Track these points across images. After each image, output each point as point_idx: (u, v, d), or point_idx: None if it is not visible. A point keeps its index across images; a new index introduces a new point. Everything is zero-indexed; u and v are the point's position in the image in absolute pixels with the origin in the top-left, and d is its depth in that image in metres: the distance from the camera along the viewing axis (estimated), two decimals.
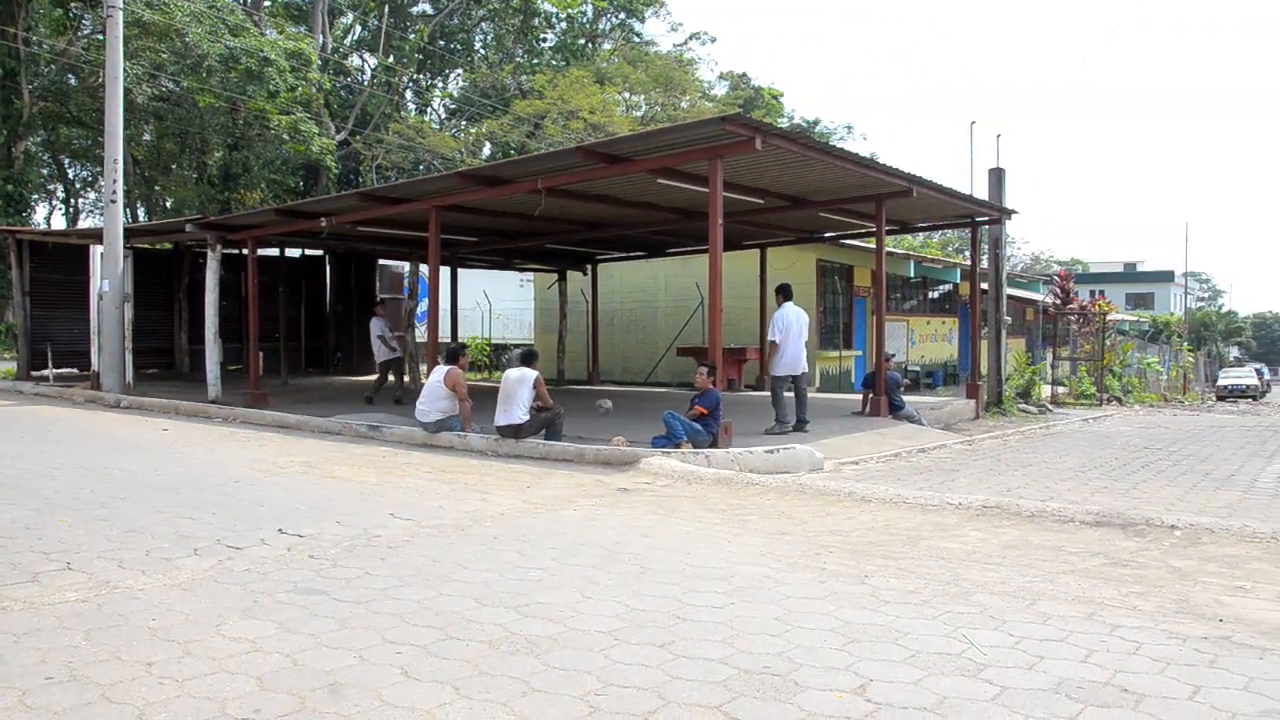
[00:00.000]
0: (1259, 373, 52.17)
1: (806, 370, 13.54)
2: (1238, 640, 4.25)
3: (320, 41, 32.17)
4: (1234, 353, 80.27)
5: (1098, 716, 3.40)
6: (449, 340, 20.79)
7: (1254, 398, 43.21)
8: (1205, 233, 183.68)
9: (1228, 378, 48.57)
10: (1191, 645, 4.18)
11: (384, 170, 33.56)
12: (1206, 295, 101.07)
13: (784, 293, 13.75)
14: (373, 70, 37.07)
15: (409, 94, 39.74)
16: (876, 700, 3.55)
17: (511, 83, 37.19)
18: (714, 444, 10.83)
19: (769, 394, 13.74)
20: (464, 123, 38.50)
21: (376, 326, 18.49)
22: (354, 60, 39.16)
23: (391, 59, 34.60)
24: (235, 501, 7.73)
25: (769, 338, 13.30)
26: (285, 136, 27.58)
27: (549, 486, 8.73)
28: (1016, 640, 4.23)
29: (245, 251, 19.11)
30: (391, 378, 18.60)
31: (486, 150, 36.98)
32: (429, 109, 41.11)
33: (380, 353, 18.45)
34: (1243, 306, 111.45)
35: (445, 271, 23.09)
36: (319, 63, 29.57)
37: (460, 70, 40.48)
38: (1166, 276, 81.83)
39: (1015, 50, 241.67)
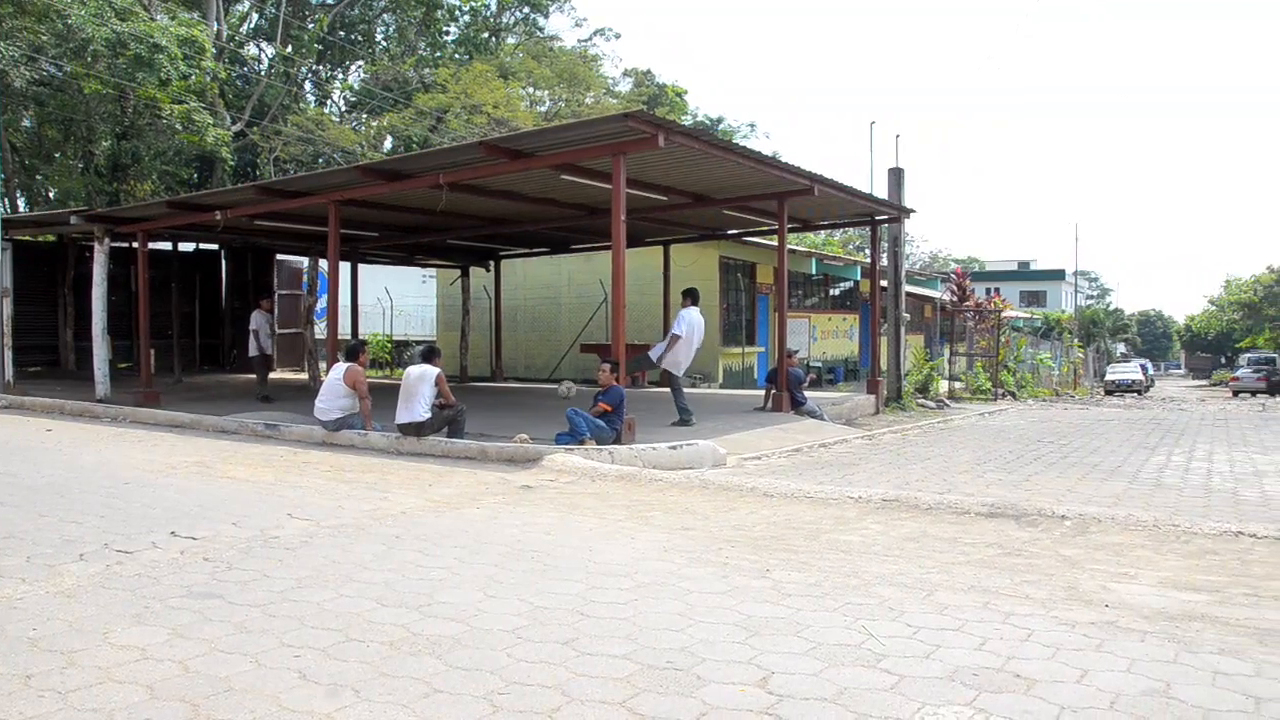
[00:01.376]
0: (1144, 368, 54.16)
1: (679, 374, 13.67)
2: (1122, 625, 4.40)
3: (215, 29, 31.29)
4: (1120, 349, 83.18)
5: (991, 702, 3.48)
6: (349, 337, 20.44)
7: (1139, 392, 44.86)
8: (1094, 233, 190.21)
9: (1115, 373, 50.28)
10: (1080, 631, 4.32)
11: (282, 163, 32.80)
12: (1095, 293, 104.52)
13: (691, 296, 13.82)
14: (270, 60, 36.17)
15: (308, 85, 38.96)
16: (778, 692, 3.58)
17: (414, 76, 36.68)
18: (618, 440, 10.85)
19: (688, 389, 13.83)
20: (365, 116, 37.85)
21: (254, 321, 17.97)
22: (251, 49, 38.18)
23: (290, 49, 33.82)
24: (125, 504, 7.47)
25: (673, 330, 13.33)
26: (178, 126, 26.73)
27: (451, 484, 8.64)
28: (914, 630, 4.32)
29: (135, 245, 18.51)
30: (258, 375, 18.04)
31: (388, 144, 36.40)
32: (329, 101, 40.32)
33: (252, 348, 17.94)
34: (1128, 304, 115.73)
35: (345, 267, 22.71)
36: (213, 51, 28.74)
37: (361, 62, 39.81)
38: (1058, 275, 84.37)
39: (914, 52, 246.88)
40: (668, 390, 13.41)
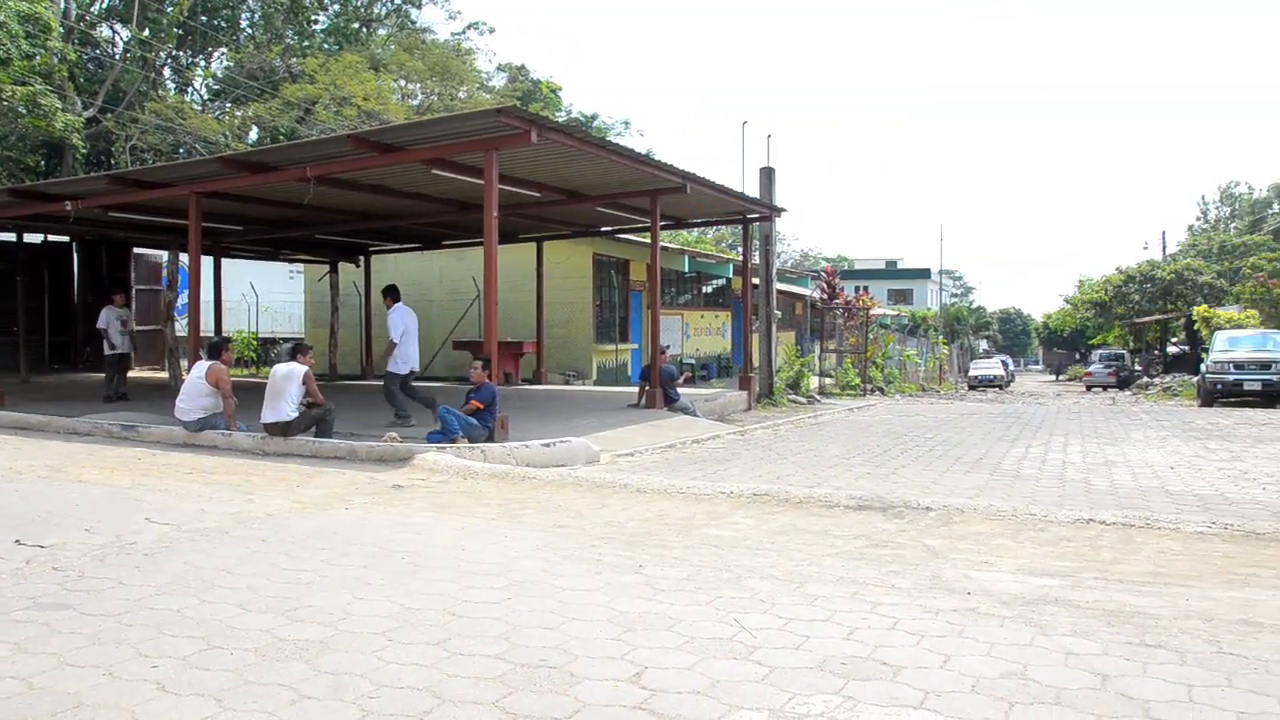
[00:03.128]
0: (1004, 364, 56.20)
1: (416, 369, 13.48)
2: (982, 611, 4.56)
3: (62, 6, 29.83)
4: (983, 345, 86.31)
5: (859, 690, 3.56)
6: (212, 334, 19.77)
7: (1000, 387, 46.61)
8: (957, 233, 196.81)
9: (978, 369, 52.08)
10: (943, 618, 4.45)
11: (140, 152, 31.49)
12: (959, 292, 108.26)
13: (392, 294, 13.58)
14: (126, 43, 34.68)
15: (168, 71, 37.49)
16: (651, 687, 3.59)
17: (280, 65, 35.66)
18: (490, 438, 10.77)
19: (562, 386, 13.70)
20: (229, 105, 36.61)
21: (102, 318, 17.07)
22: (104, 31, 36.49)
23: (147, 32, 32.46)
24: None
25: (390, 338, 13.09)
26: (22, 110, 25.33)
27: (320, 485, 8.44)
28: (785, 622, 4.38)
29: None
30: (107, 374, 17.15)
31: (254, 135, 35.28)
32: (190, 89, 38.87)
33: (107, 346, 17.06)
34: (990, 303, 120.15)
35: (208, 261, 21.92)
36: (60, 30, 27.37)
37: (225, 49, 38.48)
38: (924, 274, 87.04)
39: (785, 53, 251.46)
40: (543, 388, 13.42)
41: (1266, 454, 11.73)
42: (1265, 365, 21.78)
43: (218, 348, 11.89)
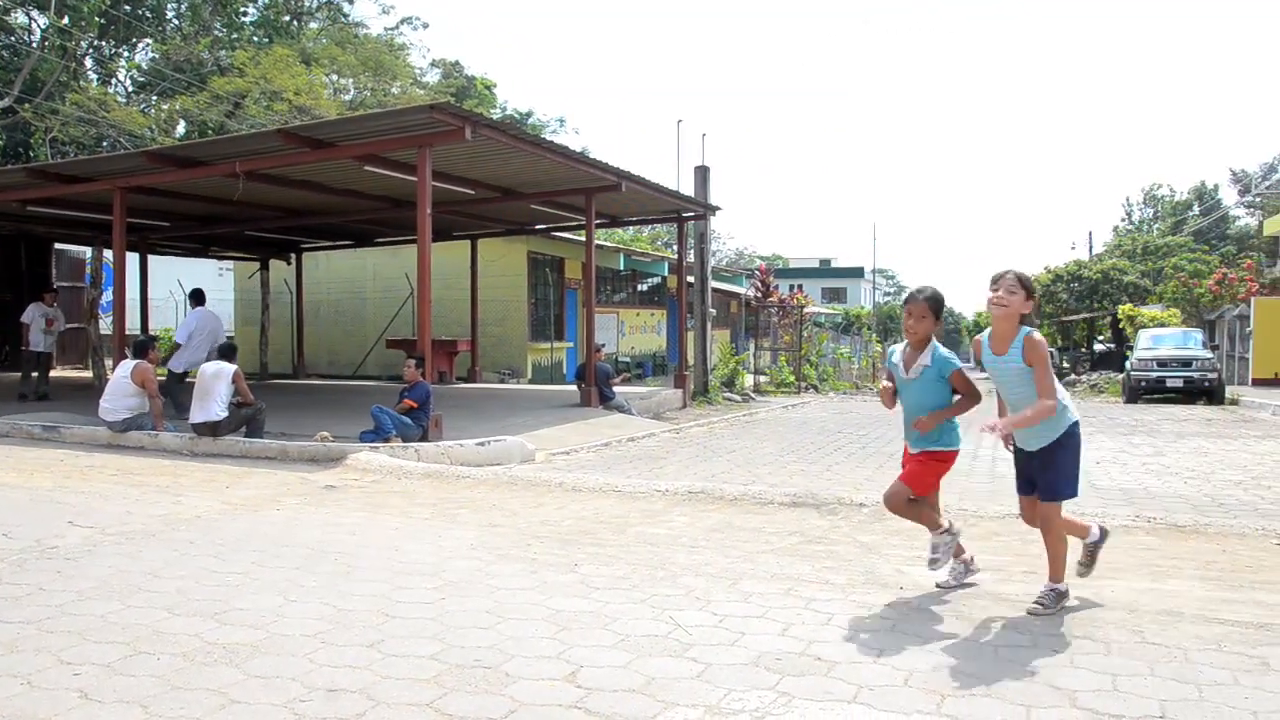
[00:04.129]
0: None
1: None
2: (915, 606, 4.61)
3: None
4: None
5: (794, 685, 3.58)
6: (138, 333, 19.36)
7: None
8: (890, 232, 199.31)
9: None
10: (877, 613, 4.50)
11: (61, 144, 30.61)
12: (892, 290, 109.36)
13: (197, 298, 14.30)
14: (44, 31, 33.69)
15: (89, 62, 36.52)
16: (587, 685, 3.58)
17: (209, 58, 34.91)
18: (424, 437, 10.68)
19: (497, 385, 13.62)
20: (155, 98, 35.79)
21: (29, 313, 16.59)
22: (19, 17, 35.39)
23: (66, 20, 31.56)
24: None
25: (176, 339, 13.88)
26: None
27: (250, 486, 8.30)
28: (720, 619, 4.40)
29: None
30: (24, 372, 16.69)
31: (181, 129, 34.49)
32: (114, 80, 37.91)
33: (34, 343, 16.57)
34: None
35: (134, 258, 21.47)
36: None
37: (150, 40, 37.59)
38: (857, 273, 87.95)
39: (720, 52, 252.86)
40: (478, 386, 13.35)
41: (1188, 449, 12.04)
42: (1186, 363, 22.34)
43: (144, 346, 11.65)
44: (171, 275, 29.16)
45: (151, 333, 22.17)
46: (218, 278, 32.63)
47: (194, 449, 10.52)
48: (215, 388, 10.66)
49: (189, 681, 3.62)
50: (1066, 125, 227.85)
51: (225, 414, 10.67)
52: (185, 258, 26.86)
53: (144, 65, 37.44)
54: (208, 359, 12.43)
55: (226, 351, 11.29)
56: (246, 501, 7.53)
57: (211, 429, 10.56)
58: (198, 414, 10.63)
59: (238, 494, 7.89)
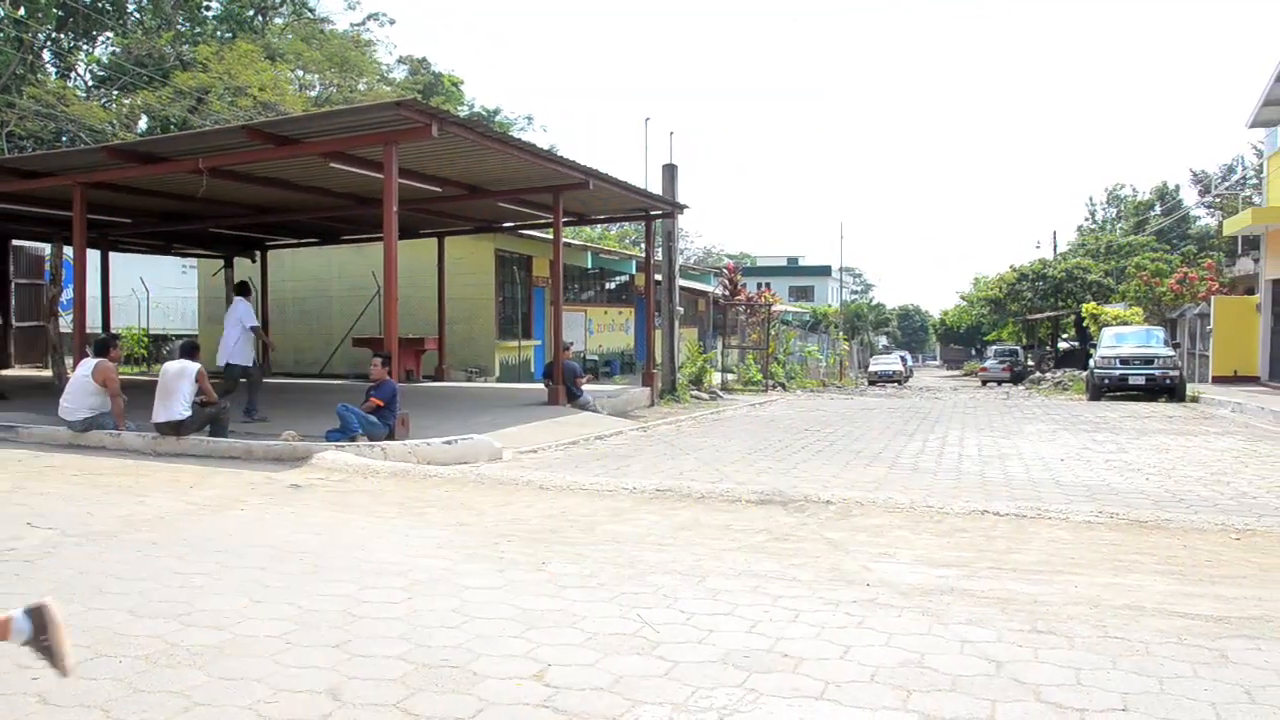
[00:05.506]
0: (903, 360, 57.37)
1: (231, 363, 13.41)
2: (881, 602, 4.64)
3: None
4: (883, 341, 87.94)
5: (761, 682, 3.59)
6: (99, 331, 19.12)
7: (899, 382, 47.57)
8: (857, 231, 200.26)
9: (877, 364, 53.02)
10: (843, 609, 4.52)
11: (18, 139, 30.17)
12: (859, 289, 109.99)
13: (242, 290, 14.17)
14: None
15: (47, 55, 35.99)
16: (555, 684, 3.57)
17: (171, 52, 34.48)
18: (391, 436, 10.61)
19: (464, 383, 13.55)
20: (116, 93, 35.32)
21: None
22: None
23: (23, 11, 31.08)
24: None
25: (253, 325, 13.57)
26: None
27: (214, 486, 8.22)
28: (688, 616, 4.40)
29: None
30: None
31: (143, 124, 34.05)
32: (73, 74, 37.39)
33: None
34: (890, 299, 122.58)
35: (95, 255, 21.19)
36: None
37: (110, 34, 37.09)
38: (825, 271, 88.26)
39: (688, 50, 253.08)
40: (445, 384, 13.27)
41: (1150, 445, 12.18)
42: (1148, 361, 22.60)
43: (105, 345, 11.50)
44: (134, 273, 28.80)
45: (113, 331, 21.92)
46: (181, 275, 32.28)
47: (157, 449, 10.40)
48: (179, 387, 10.53)
49: (151, 684, 3.58)
50: (1032, 125, 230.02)
51: (189, 413, 10.55)
52: (148, 255, 26.55)
53: (104, 59, 36.91)
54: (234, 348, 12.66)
55: (189, 350, 11.16)
56: (211, 501, 7.46)
57: (175, 428, 10.44)
58: (161, 413, 10.50)
59: (202, 494, 7.81)
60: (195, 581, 5.02)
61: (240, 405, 12.64)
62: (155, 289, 30.19)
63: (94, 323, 20.40)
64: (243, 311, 13.39)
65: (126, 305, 29.28)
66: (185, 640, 4.08)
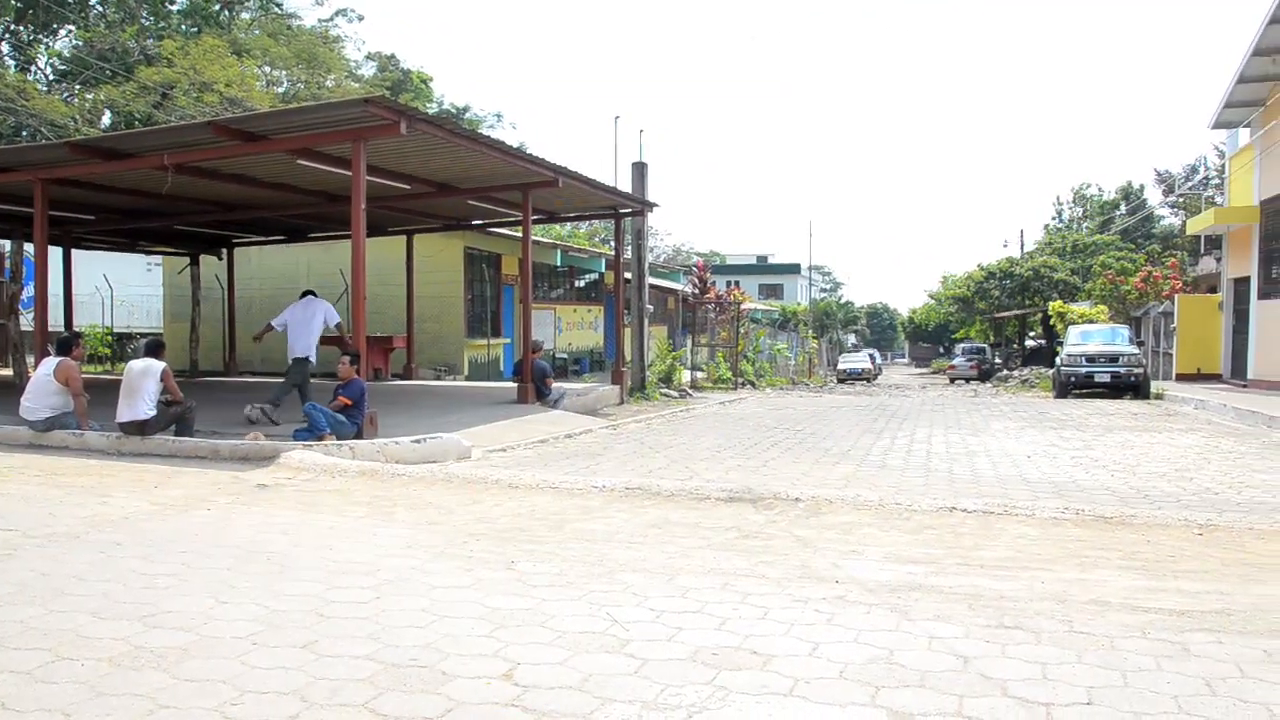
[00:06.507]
0: (872, 357, 57.71)
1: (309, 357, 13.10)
2: (850, 599, 4.66)
3: None
4: (851, 339, 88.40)
5: (730, 679, 3.59)
6: (62, 329, 18.87)
7: (868, 380, 47.82)
8: (826, 229, 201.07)
9: (846, 362, 53.27)
10: (812, 606, 4.53)
11: None
12: (828, 287, 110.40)
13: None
14: None
15: (5, 46, 35.48)
16: (524, 683, 3.56)
17: (135, 46, 34.08)
18: (359, 435, 10.55)
19: (433, 382, 13.40)
20: (78, 87, 34.86)
21: None
22: None
23: None
24: None
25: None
26: None
27: (180, 485, 8.13)
28: (657, 614, 4.40)
29: None
30: None
31: (107, 120, 33.65)
32: (33, 67, 36.87)
33: None
34: (859, 298, 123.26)
35: (57, 252, 20.91)
36: None
37: (72, 27, 36.57)
38: (794, 269, 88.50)
39: (657, 49, 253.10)
40: (414, 383, 13.16)
41: (1115, 442, 12.31)
42: (1113, 358, 22.83)
43: (68, 343, 11.37)
44: (97, 270, 28.49)
45: (75, 329, 21.63)
46: (146, 273, 31.97)
47: (121, 448, 10.29)
48: (143, 385, 10.42)
49: (115, 687, 3.53)
50: (1000, 125, 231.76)
51: (153, 412, 10.44)
52: (112, 252, 26.26)
53: (65, 53, 36.41)
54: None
55: (154, 348, 11.04)
56: (176, 501, 7.38)
57: (139, 428, 10.32)
58: (125, 412, 10.38)
59: (167, 494, 7.73)
60: (160, 582, 4.96)
61: (286, 396, 12.58)
62: (119, 287, 29.90)
63: (56, 321, 20.16)
64: (328, 309, 13.00)
65: (90, 303, 28.97)
66: (150, 642, 4.03)
